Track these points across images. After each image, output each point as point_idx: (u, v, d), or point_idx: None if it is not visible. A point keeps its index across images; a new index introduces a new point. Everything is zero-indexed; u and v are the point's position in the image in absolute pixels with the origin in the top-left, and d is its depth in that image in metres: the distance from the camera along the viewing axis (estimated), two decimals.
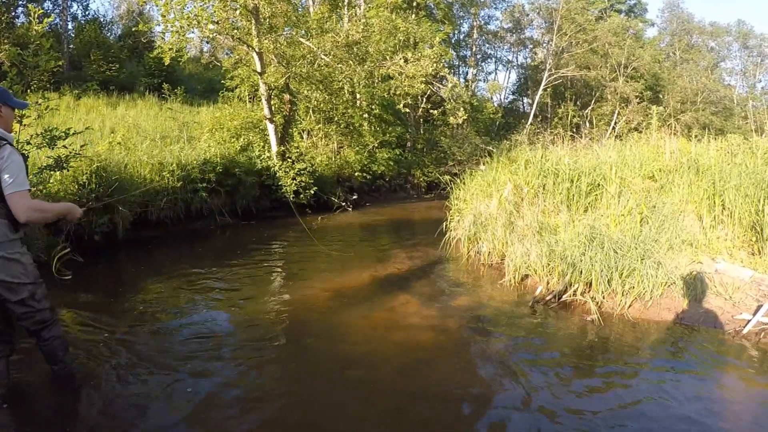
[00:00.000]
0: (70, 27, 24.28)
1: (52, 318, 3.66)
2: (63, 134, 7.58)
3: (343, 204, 15.00)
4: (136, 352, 4.58)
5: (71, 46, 22.26)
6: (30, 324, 3.55)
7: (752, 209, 6.65)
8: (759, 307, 5.36)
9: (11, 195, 3.24)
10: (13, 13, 19.59)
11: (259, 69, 13.74)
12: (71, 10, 25.86)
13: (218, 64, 22.45)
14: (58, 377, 3.85)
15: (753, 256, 6.45)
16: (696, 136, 12.39)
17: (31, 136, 7.46)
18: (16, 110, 3.82)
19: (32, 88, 7.50)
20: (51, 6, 24.41)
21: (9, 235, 3.33)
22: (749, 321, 5.25)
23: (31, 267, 3.51)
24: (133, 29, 20.80)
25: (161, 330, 5.18)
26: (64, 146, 7.76)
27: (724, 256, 6.47)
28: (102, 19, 27.26)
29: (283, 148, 14.50)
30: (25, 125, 7.28)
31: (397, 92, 17.04)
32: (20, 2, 20.60)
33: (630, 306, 5.80)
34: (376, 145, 19.79)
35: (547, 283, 6.48)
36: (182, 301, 6.16)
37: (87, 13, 27.48)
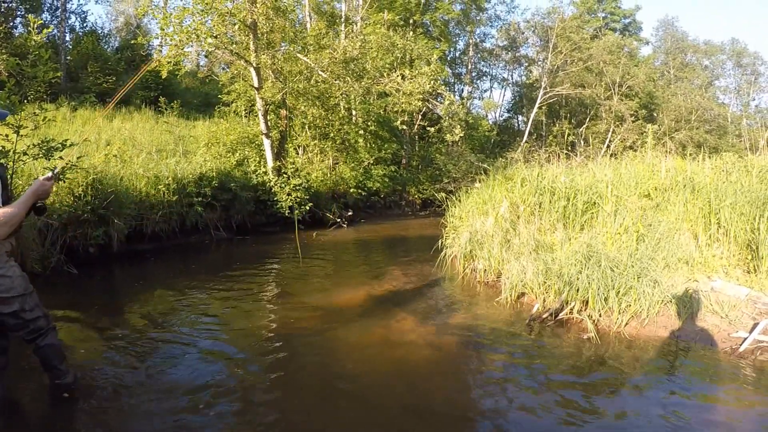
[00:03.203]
0: (67, 39, 24.31)
1: (47, 326, 3.63)
2: (60, 145, 7.56)
3: (338, 220, 14.98)
4: (129, 366, 4.54)
5: (68, 57, 22.27)
6: (24, 334, 3.53)
7: (748, 227, 6.66)
8: (755, 325, 5.37)
9: None
10: (12, 23, 19.62)
11: (256, 84, 13.79)
12: (69, 22, 25.93)
13: (215, 78, 22.51)
14: (53, 389, 3.81)
15: (749, 274, 6.46)
16: (691, 155, 12.46)
17: (28, 146, 7.44)
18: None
19: (29, 98, 7.49)
20: (49, 17, 24.49)
21: None
22: (745, 339, 5.24)
23: (19, 279, 3.46)
24: (132, 42, 20.79)
25: (154, 345, 5.13)
26: (61, 157, 7.74)
27: (720, 275, 6.48)
28: (99, 32, 27.33)
29: (279, 163, 14.50)
30: (21, 136, 7.27)
31: (395, 109, 17.09)
32: (18, 12, 20.64)
33: (626, 324, 5.79)
34: (372, 161, 19.82)
35: (544, 301, 6.48)
36: (176, 317, 6.10)
37: (85, 25, 27.56)
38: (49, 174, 3.50)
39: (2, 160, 7.05)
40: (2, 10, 18.91)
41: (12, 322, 3.46)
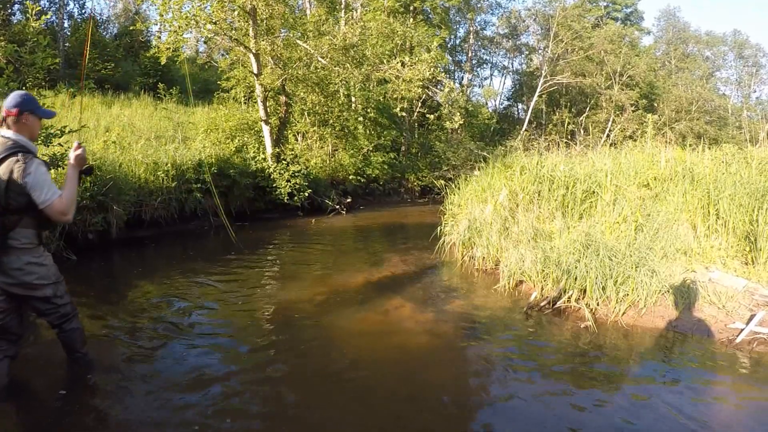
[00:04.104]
0: (66, 25, 24.17)
1: (73, 311, 3.96)
2: (58, 132, 7.55)
3: (337, 207, 14.98)
4: (126, 354, 4.56)
5: (67, 44, 22.16)
6: (54, 318, 3.84)
7: (746, 219, 6.68)
8: (752, 317, 5.39)
9: (48, 206, 3.44)
10: (10, 10, 19.49)
11: (255, 70, 13.75)
12: (67, 8, 25.79)
13: (214, 64, 22.42)
14: (68, 372, 4.08)
15: (746, 265, 6.47)
16: (690, 145, 12.43)
17: None
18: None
19: (28, 85, 7.46)
20: (47, 4, 24.33)
21: (35, 242, 3.59)
22: (742, 330, 5.27)
23: (53, 268, 3.76)
24: (130, 28, 20.68)
25: (151, 332, 5.13)
26: (60, 144, 7.73)
27: (717, 265, 6.49)
28: (98, 18, 27.20)
29: (278, 150, 14.48)
30: None
31: (394, 96, 17.06)
32: None
33: (624, 313, 5.80)
34: (371, 148, 19.80)
35: (542, 289, 6.49)
36: (174, 304, 6.11)
37: (83, 11, 27.43)
38: (76, 143, 3.78)
39: None
40: None
41: (44, 307, 3.74)
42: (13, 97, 3.57)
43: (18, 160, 3.38)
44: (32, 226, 3.55)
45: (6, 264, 3.47)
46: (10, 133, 3.49)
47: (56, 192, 3.48)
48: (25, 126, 3.56)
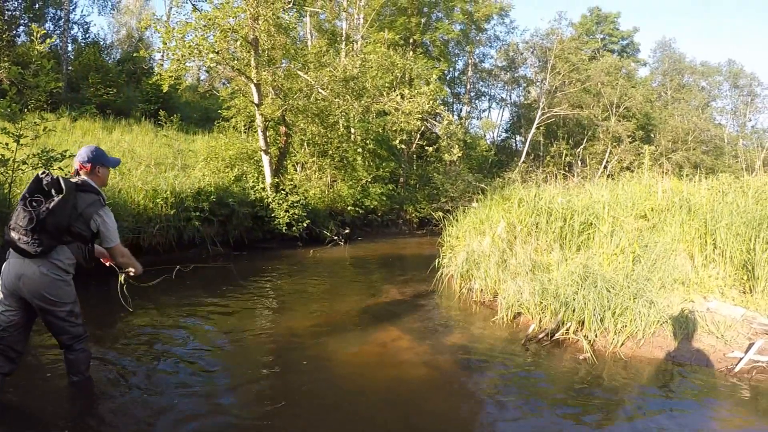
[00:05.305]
0: (69, 49, 24.47)
1: (85, 333, 4.15)
2: (59, 156, 7.58)
3: (335, 238, 14.96)
4: (123, 380, 4.54)
5: (70, 68, 22.38)
6: (67, 338, 4.01)
7: (743, 248, 6.70)
8: (751, 345, 5.38)
9: (112, 248, 4.21)
10: (15, 32, 19.74)
11: (256, 100, 13.85)
12: (71, 32, 26.12)
13: (216, 93, 22.60)
14: (70, 389, 4.17)
15: (744, 294, 6.48)
16: (687, 175, 12.49)
17: (28, 156, 7.44)
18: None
19: (30, 107, 7.52)
20: (52, 27, 24.67)
21: (68, 267, 3.94)
22: (741, 359, 5.26)
23: (73, 290, 4.04)
24: (134, 55, 20.90)
25: (145, 363, 5.10)
26: (60, 168, 7.76)
27: (715, 295, 6.50)
28: (102, 43, 27.52)
29: (277, 179, 14.53)
30: (22, 145, 7.28)
31: (394, 128, 17.17)
32: (22, 21, 20.78)
33: (622, 344, 5.78)
34: (370, 179, 19.86)
35: (540, 321, 6.46)
36: (170, 332, 6.09)
37: (87, 36, 27.78)
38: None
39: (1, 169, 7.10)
40: (5, 18, 19.03)
41: (60, 325, 3.94)
42: (86, 152, 4.10)
43: (99, 201, 3.98)
44: (75, 254, 3.95)
45: (38, 270, 3.74)
46: (87, 179, 4.05)
47: (118, 240, 4.20)
48: (98, 177, 4.15)
